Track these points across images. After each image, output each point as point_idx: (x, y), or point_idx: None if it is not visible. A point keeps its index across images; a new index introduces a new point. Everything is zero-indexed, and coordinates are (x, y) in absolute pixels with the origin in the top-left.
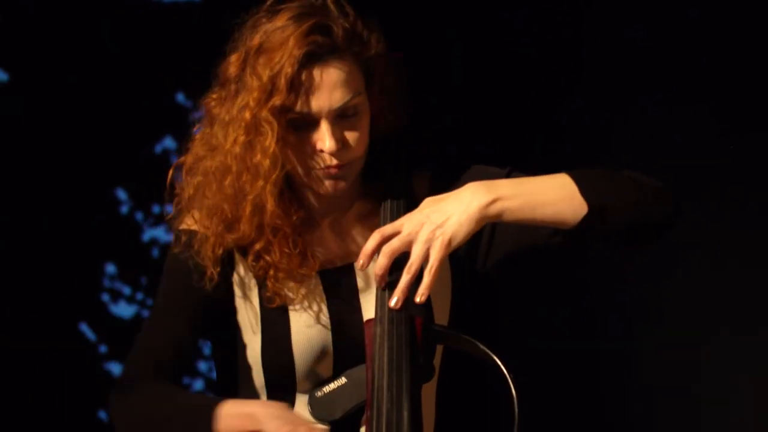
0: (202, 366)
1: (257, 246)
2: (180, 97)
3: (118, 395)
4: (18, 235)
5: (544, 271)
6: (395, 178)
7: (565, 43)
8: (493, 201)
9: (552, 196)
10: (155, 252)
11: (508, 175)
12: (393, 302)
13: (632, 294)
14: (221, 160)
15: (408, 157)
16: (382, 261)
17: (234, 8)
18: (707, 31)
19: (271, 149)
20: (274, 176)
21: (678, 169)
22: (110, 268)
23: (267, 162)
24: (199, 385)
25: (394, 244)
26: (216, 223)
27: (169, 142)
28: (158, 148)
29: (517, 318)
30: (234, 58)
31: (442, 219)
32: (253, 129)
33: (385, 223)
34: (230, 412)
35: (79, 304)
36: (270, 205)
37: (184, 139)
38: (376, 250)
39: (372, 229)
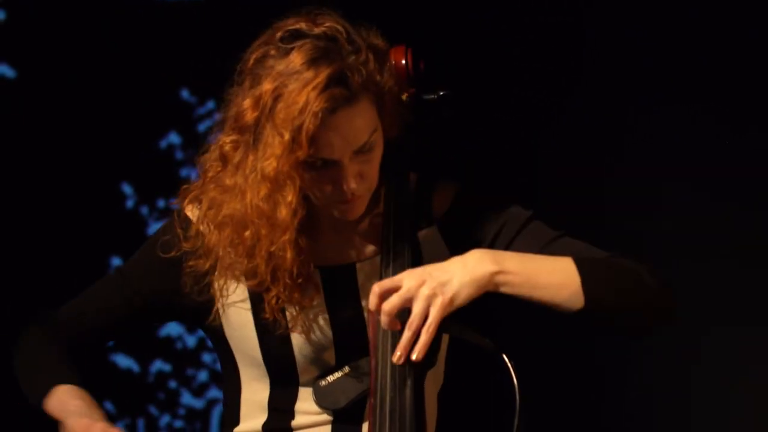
0: (206, 357)
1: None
2: (184, 94)
3: (25, 333)
4: (25, 228)
5: None
6: (400, 174)
7: (566, 43)
8: (497, 272)
9: (554, 280)
10: None
11: (528, 220)
12: (395, 358)
13: None
14: (240, 209)
15: (414, 153)
16: (384, 319)
17: (237, 7)
18: (707, 31)
19: (294, 204)
20: (294, 226)
21: (676, 167)
22: (116, 262)
23: (289, 216)
24: (203, 376)
25: (393, 301)
26: (232, 268)
27: (173, 138)
28: (163, 144)
29: (515, 316)
30: (248, 104)
31: (445, 278)
32: (275, 184)
33: (388, 229)
34: (60, 395)
35: None
36: (289, 255)
37: (188, 137)
38: (380, 305)
39: (376, 229)
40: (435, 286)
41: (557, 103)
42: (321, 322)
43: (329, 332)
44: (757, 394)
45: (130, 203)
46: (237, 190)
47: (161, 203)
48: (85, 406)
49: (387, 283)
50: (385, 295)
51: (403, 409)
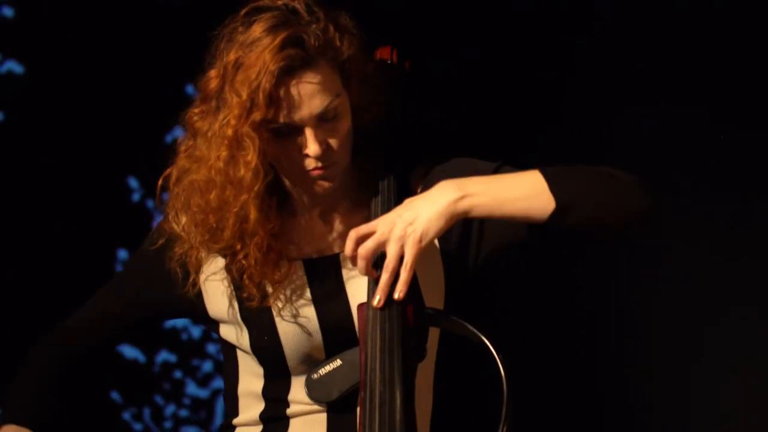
0: (211, 348)
1: (235, 251)
2: (189, 89)
3: (34, 349)
4: (33, 222)
5: (539, 264)
6: (387, 169)
7: (563, 40)
8: (462, 197)
9: (520, 192)
10: None
11: (496, 170)
12: (375, 301)
13: (627, 286)
14: (205, 173)
15: (401, 149)
16: (360, 263)
17: (241, 3)
18: (707, 31)
19: (253, 163)
20: (256, 188)
21: (674, 164)
22: (122, 254)
23: (249, 175)
24: (208, 366)
25: (368, 245)
26: (201, 233)
27: (178, 133)
28: (168, 139)
29: (513, 312)
30: (213, 74)
31: (413, 217)
32: (235, 144)
33: (376, 217)
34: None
35: (91, 288)
36: (253, 215)
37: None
38: (356, 250)
39: (359, 220)
40: (405, 226)
41: (552, 103)
42: (307, 313)
43: (316, 324)
44: (756, 393)
45: (136, 197)
46: (203, 159)
47: (166, 197)
48: None
49: (363, 228)
50: (360, 241)
51: (393, 403)
